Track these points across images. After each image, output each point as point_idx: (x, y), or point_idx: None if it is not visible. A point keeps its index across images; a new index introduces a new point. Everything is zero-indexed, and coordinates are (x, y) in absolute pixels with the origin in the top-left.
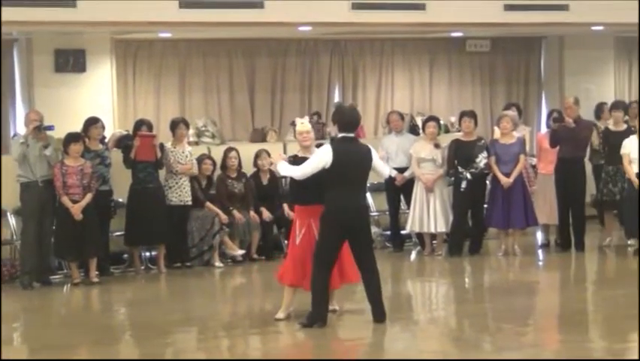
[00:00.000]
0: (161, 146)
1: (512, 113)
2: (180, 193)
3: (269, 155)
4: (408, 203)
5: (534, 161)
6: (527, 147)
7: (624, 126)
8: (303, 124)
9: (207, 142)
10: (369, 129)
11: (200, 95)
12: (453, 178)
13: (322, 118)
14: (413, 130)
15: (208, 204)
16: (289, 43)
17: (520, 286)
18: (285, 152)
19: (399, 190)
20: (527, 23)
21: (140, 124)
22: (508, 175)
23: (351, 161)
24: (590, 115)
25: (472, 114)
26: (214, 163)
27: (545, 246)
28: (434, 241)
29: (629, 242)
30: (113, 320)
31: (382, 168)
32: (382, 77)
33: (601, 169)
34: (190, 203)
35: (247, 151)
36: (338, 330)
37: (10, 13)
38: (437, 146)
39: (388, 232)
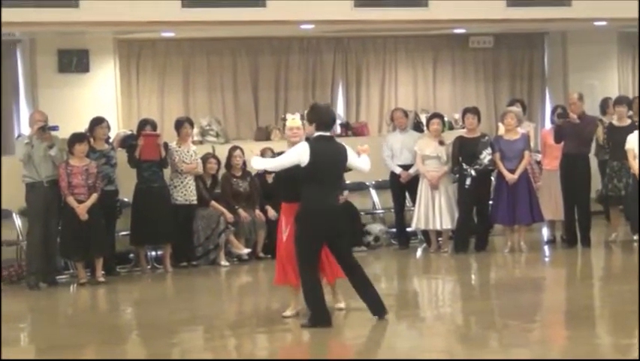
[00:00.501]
0: (166, 145)
1: (516, 109)
2: (186, 192)
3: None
4: (413, 200)
5: (539, 157)
6: (532, 143)
7: (628, 122)
8: (294, 120)
9: (212, 141)
10: (373, 127)
11: (204, 94)
12: (457, 175)
13: None
14: (417, 127)
15: (213, 203)
16: (292, 41)
17: (527, 282)
18: None
19: (404, 187)
20: (530, 19)
21: (144, 124)
22: (513, 171)
23: (328, 160)
24: (595, 111)
25: (475, 111)
26: (219, 162)
27: (551, 242)
28: (440, 238)
29: (634, 237)
30: (120, 320)
31: (361, 163)
32: (386, 74)
33: (606, 165)
34: (195, 202)
35: (252, 149)
36: (344, 328)
37: (12, 14)
38: (441, 143)
39: (394, 230)
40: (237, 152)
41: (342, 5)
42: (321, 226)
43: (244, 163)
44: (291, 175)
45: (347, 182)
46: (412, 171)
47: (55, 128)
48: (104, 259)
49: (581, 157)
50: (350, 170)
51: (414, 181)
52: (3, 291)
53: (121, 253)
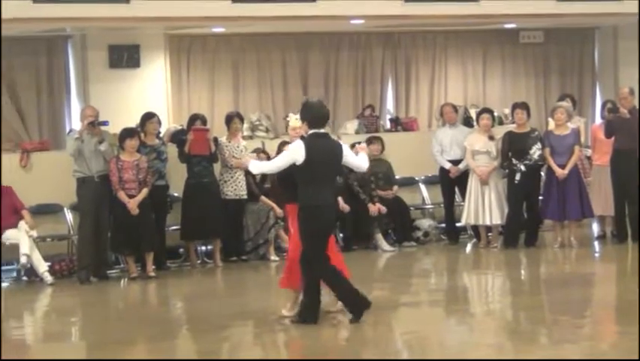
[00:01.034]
0: (216, 140)
1: (566, 104)
2: (236, 187)
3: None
4: (463, 195)
5: (589, 152)
6: (582, 138)
7: None
8: (297, 119)
9: (261, 136)
10: (422, 122)
11: (253, 89)
12: (507, 170)
13: (375, 111)
14: (467, 122)
15: (263, 198)
16: (342, 36)
17: (577, 278)
18: None
19: (453, 183)
20: (580, 14)
21: (194, 119)
22: (563, 167)
23: (323, 157)
24: None
25: (524, 106)
26: (268, 157)
27: (601, 237)
28: (489, 234)
29: None
30: (170, 315)
31: (359, 161)
32: (435, 69)
33: None
34: (245, 197)
35: None
36: (393, 323)
37: (64, 10)
38: (491, 138)
39: (443, 225)
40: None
41: (393, 0)
42: (322, 221)
43: None
44: (291, 176)
45: (397, 177)
46: (461, 166)
47: (105, 123)
48: (155, 254)
49: (632, 152)
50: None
51: (463, 176)
52: (54, 285)
53: (171, 247)
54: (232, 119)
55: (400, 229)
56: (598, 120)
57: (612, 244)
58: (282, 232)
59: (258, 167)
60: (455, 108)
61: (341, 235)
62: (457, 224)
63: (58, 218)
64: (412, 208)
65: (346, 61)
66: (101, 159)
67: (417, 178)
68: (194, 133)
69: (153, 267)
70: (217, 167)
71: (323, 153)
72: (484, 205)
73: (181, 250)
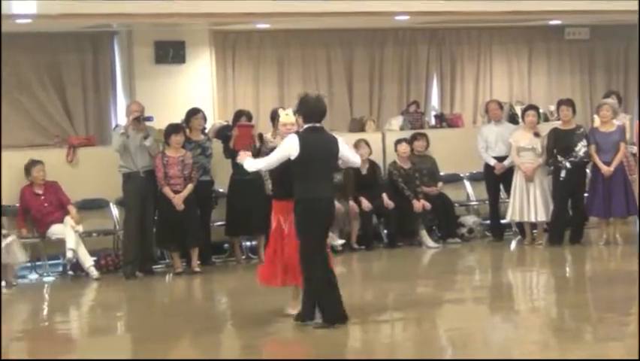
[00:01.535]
0: (260, 136)
1: (612, 101)
2: None
3: (367, 145)
4: (507, 192)
5: (634, 149)
6: (627, 135)
7: None
8: (288, 115)
9: None
10: (467, 119)
11: (298, 85)
12: (552, 167)
13: (420, 108)
14: (512, 119)
15: None
16: (387, 33)
17: (622, 275)
18: (384, 141)
19: (498, 179)
20: (627, 10)
21: (239, 114)
22: (608, 164)
23: (319, 151)
24: None
25: (569, 102)
26: None
27: None
28: (534, 230)
29: None
30: (215, 310)
31: (353, 157)
32: (480, 66)
33: None
34: None
35: (346, 141)
36: (437, 320)
37: (110, 6)
38: (537, 135)
39: (488, 221)
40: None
41: None
42: (318, 215)
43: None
44: (280, 172)
45: (441, 173)
46: (506, 162)
47: (149, 118)
48: (200, 249)
49: None
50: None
51: (508, 173)
52: (100, 279)
53: (216, 243)
54: (277, 116)
55: (444, 225)
56: None
57: None
58: None
59: (252, 165)
60: (500, 105)
61: (385, 231)
62: (502, 221)
63: (103, 213)
64: (456, 205)
65: (391, 57)
66: (147, 155)
67: (461, 175)
68: (238, 129)
69: (198, 262)
70: None
71: (318, 147)
72: (529, 202)
73: (226, 245)
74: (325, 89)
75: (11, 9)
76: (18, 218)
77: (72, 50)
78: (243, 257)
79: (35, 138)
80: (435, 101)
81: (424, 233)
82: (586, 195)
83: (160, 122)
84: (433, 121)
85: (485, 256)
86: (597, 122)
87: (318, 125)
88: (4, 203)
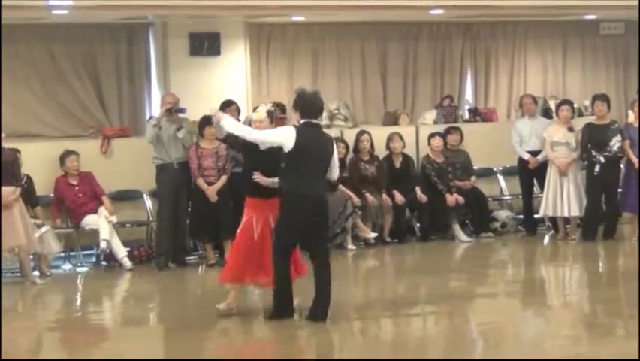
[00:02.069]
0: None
1: None
2: None
3: (401, 138)
4: (541, 187)
5: None
6: None
7: None
8: (258, 112)
9: (340, 125)
10: (501, 113)
11: (332, 78)
12: (586, 162)
13: (454, 102)
14: (546, 113)
15: (340, 186)
16: (421, 26)
17: None
18: (417, 135)
19: (532, 174)
20: None
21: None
22: None
23: (314, 148)
24: None
25: (604, 98)
26: (347, 146)
27: None
28: (568, 225)
29: None
30: (247, 302)
31: (335, 167)
32: (515, 60)
33: None
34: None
35: (379, 134)
36: (469, 314)
37: None
38: (571, 129)
39: (521, 216)
40: (365, 136)
41: None
42: (305, 212)
43: (372, 147)
44: (259, 167)
45: (475, 168)
46: (540, 157)
47: (182, 110)
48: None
49: None
50: None
51: (542, 167)
52: (133, 270)
53: None
54: None
55: (477, 219)
56: None
57: None
58: (359, 220)
59: (232, 125)
60: (535, 99)
61: (418, 224)
62: (535, 215)
63: (137, 204)
64: (489, 199)
65: (425, 51)
66: (180, 146)
67: (495, 169)
68: None
69: None
70: None
71: (314, 142)
72: (563, 197)
73: None
74: (359, 82)
75: (48, 0)
76: (52, 208)
77: (107, 41)
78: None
79: (70, 128)
80: (469, 95)
81: (456, 227)
82: (619, 190)
83: (194, 114)
84: (466, 115)
85: (518, 250)
86: (631, 117)
87: (314, 121)
88: (39, 193)
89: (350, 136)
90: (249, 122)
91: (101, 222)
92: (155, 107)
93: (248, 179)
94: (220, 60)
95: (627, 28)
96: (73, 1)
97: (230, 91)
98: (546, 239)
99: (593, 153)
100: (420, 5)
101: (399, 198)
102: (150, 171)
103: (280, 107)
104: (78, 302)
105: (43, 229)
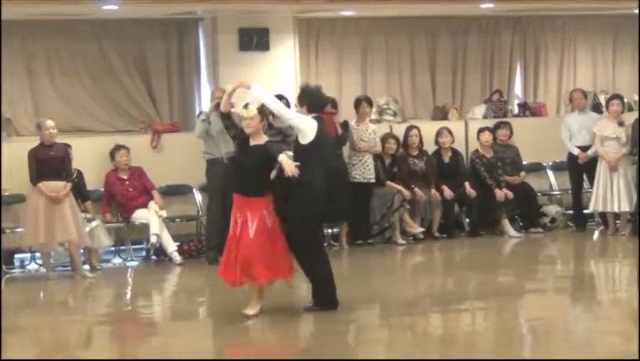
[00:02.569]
0: (346, 123)
1: None
2: (364, 170)
3: (450, 133)
4: (590, 182)
5: None
6: None
7: None
8: (247, 110)
9: (389, 120)
10: (551, 107)
11: (381, 73)
12: (637, 157)
13: (503, 96)
14: (596, 108)
15: (389, 182)
16: (471, 21)
17: None
18: (466, 129)
19: (582, 169)
20: None
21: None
22: None
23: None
24: None
25: None
26: (398, 143)
27: None
28: (617, 221)
29: None
30: (296, 296)
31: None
32: (564, 54)
33: None
34: (373, 180)
35: (428, 129)
36: (518, 309)
37: None
38: (621, 124)
39: (571, 211)
40: (414, 131)
41: None
42: (322, 203)
43: (421, 142)
44: (243, 167)
45: (524, 163)
46: (590, 152)
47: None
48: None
49: None
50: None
51: (592, 162)
52: (183, 265)
53: None
54: (360, 103)
55: (526, 214)
56: None
57: None
58: (407, 215)
59: (264, 93)
60: (584, 94)
61: (467, 220)
62: (585, 211)
63: (187, 199)
64: (539, 194)
65: (474, 45)
66: (229, 141)
67: (544, 164)
68: None
69: None
70: (346, 150)
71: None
72: (613, 192)
73: None
74: (408, 77)
75: None
76: (103, 203)
77: (157, 36)
78: (325, 244)
79: (121, 123)
80: (518, 89)
81: (506, 222)
82: None
83: None
84: (516, 110)
85: (567, 246)
86: None
87: (320, 115)
88: (90, 187)
89: (399, 131)
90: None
91: (151, 216)
92: (204, 102)
93: (245, 177)
94: (269, 55)
95: None
96: None
97: (279, 86)
98: (596, 235)
99: None
100: None
101: (448, 193)
102: (200, 166)
103: (331, 102)
104: (128, 296)
105: (94, 224)
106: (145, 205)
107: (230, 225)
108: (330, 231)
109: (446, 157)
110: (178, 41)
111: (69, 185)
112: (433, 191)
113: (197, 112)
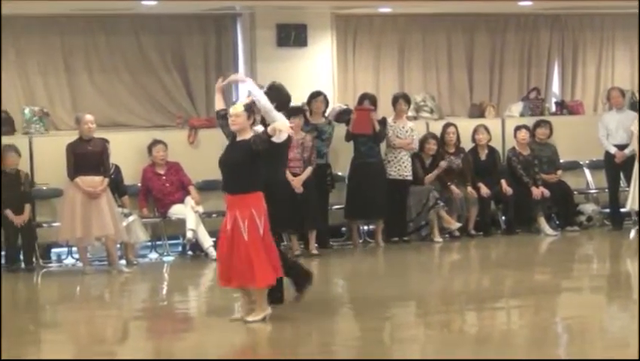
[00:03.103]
0: (384, 120)
1: None
2: (399, 167)
3: (487, 130)
4: (628, 180)
5: None
6: None
7: None
8: (235, 106)
9: (426, 117)
10: (588, 106)
11: (418, 70)
12: None
13: (541, 94)
14: (634, 107)
15: (425, 180)
16: (508, 18)
17: None
18: (503, 127)
19: (619, 167)
20: None
21: (363, 98)
22: None
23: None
24: None
25: None
26: (438, 143)
27: None
28: None
29: None
30: (332, 293)
31: None
32: (603, 52)
33: None
34: (409, 178)
35: (465, 127)
36: (555, 308)
37: None
38: None
39: (607, 210)
40: (451, 128)
41: None
42: (285, 207)
43: (457, 139)
44: (239, 161)
45: (561, 161)
46: (627, 151)
47: None
48: (318, 232)
49: None
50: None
51: (629, 161)
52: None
53: (334, 226)
54: (398, 100)
55: (563, 213)
56: None
57: None
58: (444, 212)
59: (254, 86)
60: (622, 92)
61: (503, 217)
62: (622, 209)
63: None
64: (575, 193)
65: (512, 43)
66: None
67: (581, 162)
68: (357, 112)
69: (316, 245)
70: (383, 147)
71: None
72: None
73: (343, 228)
74: (445, 74)
75: None
76: (139, 198)
77: (195, 32)
78: (361, 241)
79: (158, 118)
80: (556, 87)
81: (542, 220)
82: None
83: None
84: (553, 108)
85: (604, 244)
86: None
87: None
88: (127, 182)
89: (436, 128)
90: (336, 114)
91: (187, 211)
92: (242, 98)
93: (233, 174)
94: (307, 51)
95: None
96: None
97: (316, 82)
98: (632, 233)
99: None
100: None
101: (484, 190)
102: None
103: (370, 98)
104: (164, 291)
105: (131, 218)
106: (181, 201)
107: (221, 225)
108: (366, 228)
109: (483, 155)
110: (216, 37)
111: (106, 180)
112: (470, 188)
113: None
